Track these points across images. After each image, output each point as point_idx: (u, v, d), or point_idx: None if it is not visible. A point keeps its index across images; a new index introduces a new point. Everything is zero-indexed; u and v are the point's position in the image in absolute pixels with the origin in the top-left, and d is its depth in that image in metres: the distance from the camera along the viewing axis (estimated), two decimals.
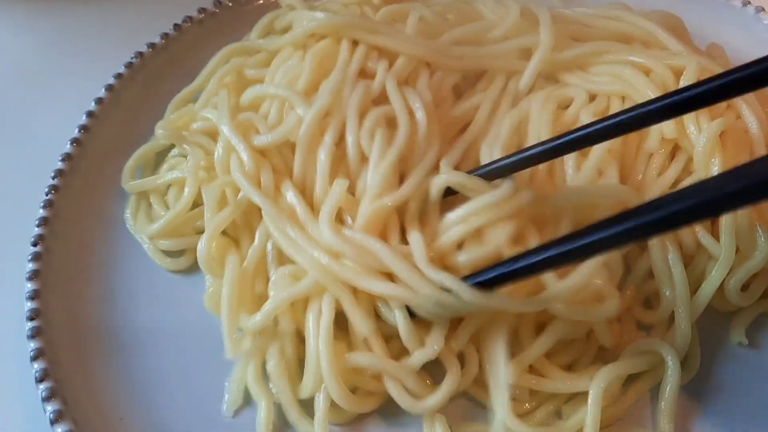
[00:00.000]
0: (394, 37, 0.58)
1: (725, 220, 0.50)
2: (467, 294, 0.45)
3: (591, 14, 0.64)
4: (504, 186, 0.49)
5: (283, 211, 0.52)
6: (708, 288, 0.51)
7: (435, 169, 0.52)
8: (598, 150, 0.54)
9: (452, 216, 0.49)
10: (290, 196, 0.52)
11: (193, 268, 0.55)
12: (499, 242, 0.48)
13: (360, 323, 0.48)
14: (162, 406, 0.49)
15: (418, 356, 0.48)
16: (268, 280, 0.52)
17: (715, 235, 0.52)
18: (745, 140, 0.54)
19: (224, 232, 0.54)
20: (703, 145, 0.53)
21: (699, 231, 0.52)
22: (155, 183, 0.59)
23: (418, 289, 0.46)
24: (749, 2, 0.71)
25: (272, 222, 0.51)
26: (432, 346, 0.48)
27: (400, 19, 0.62)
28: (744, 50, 0.66)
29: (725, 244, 0.50)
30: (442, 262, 0.49)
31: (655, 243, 0.52)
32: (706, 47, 0.66)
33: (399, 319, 0.47)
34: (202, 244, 0.52)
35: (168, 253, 0.56)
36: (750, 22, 0.70)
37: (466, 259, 0.48)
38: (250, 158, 0.54)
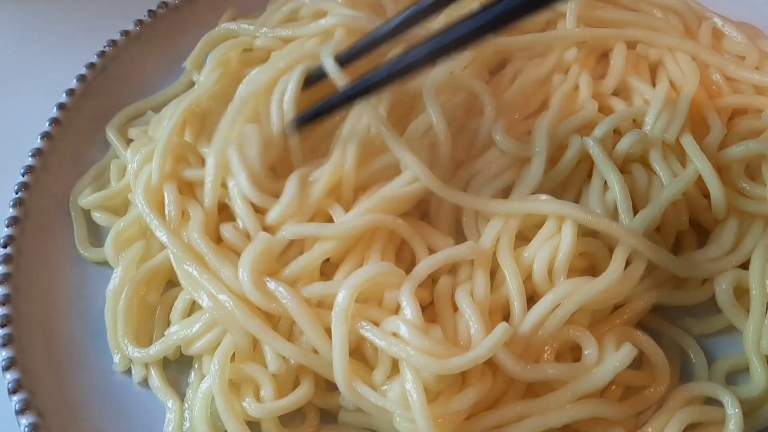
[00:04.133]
0: None
1: None
2: None
3: None
4: None
5: (187, 247, 0.49)
6: None
7: None
8: None
9: None
10: (195, 237, 0.49)
11: None
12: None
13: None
14: (143, 416, 0.47)
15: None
16: (160, 292, 0.51)
17: None
18: None
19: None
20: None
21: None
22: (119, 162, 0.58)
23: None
24: None
25: (175, 259, 0.49)
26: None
27: None
28: None
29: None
30: None
31: None
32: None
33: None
34: (108, 239, 0.52)
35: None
36: None
37: None
38: (157, 177, 0.51)
